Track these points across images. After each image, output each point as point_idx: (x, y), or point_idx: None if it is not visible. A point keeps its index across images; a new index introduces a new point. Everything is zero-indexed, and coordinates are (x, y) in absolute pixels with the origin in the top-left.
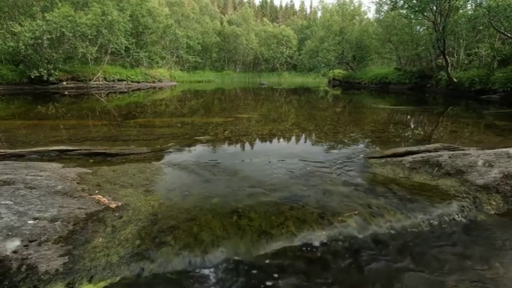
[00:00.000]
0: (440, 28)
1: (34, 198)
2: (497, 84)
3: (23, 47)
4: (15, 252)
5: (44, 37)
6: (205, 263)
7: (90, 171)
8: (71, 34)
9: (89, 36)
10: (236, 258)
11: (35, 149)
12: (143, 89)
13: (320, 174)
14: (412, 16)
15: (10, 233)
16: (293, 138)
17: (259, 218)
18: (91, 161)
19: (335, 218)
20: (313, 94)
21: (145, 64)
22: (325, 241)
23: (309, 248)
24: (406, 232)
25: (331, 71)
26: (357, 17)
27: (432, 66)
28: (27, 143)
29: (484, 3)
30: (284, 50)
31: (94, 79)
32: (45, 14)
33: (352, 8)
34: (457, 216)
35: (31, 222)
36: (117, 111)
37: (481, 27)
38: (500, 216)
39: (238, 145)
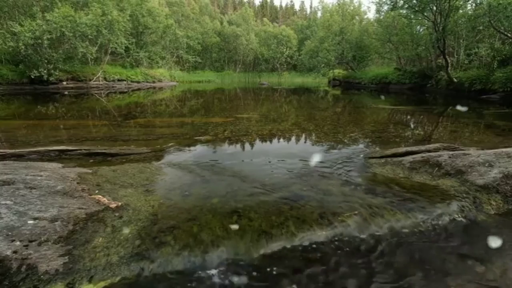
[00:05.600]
0: (440, 28)
1: (34, 198)
2: (497, 84)
3: (23, 47)
4: (15, 252)
5: (44, 37)
6: (205, 263)
7: (90, 171)
8: (71, 34)
9: (89, 36)
10: (236, 258)
11: (35, 149)
12: (143, 89)
13: (320, 174)
14: (412, 16)
15: (10, 233)
16: (293, 138)
17: (259, 218)
18: (91, 161)
19: (335, 218)
20: (313, 94)
21: (145, 64)
22: (325, 241)
23: (309, 248)
24: (406, 232)
25: (331, 71)
26: (357, 17)
27: (432, 66)
28: (27, 143)
29: (484, 2)
30: (284, 50)
31: (94, 79)
32: (45, 14)
33: (352, 8)
34: (457, 216)
35: (31, 222)
36: (117, 111)
37: (481, 27)
38: (500, 216)
39: (238, 145)
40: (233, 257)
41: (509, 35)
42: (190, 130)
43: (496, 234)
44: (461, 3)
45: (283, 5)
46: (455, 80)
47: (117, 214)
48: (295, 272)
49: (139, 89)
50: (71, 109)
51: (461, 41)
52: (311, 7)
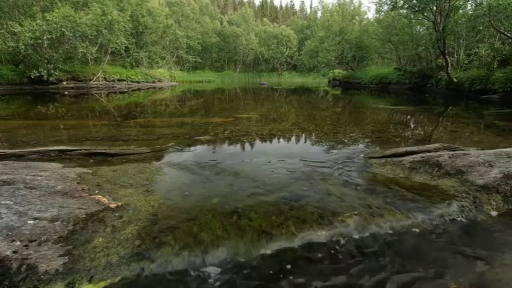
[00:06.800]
0: (440, 28)
1: (34, 198)
2: (497, 84)
3: (23, 47)
4: (15, 252)
5: (44, 37)
6: (205, 263)
7: (90, 171)
8: (71, 34)
9: (89, 36)
10: (236, 258)
11: (35, 149)
12: (143, 89)
13: (320, 174)
14: (412, 16)
15: (10, 233)
16: (293, 138)
17: (259, 218)
18: (91, 161)
19: (335, 218)
20: (313, 94)
21: (145, 64)
22: (325, 241)
23: (309, 248)
24: (406, 232)
25: (331, 71)
26: (357, 17)
27: (432, 66)
28: (27, 143)
29: (484, 2)
30: (284, 50)
31: (94, 79)
32: (45, 14)
33: (352, 8)
34: (457, 216)
35: (31, 222)
36: (117, 111)
37: (481, 27)
38: (500, 216)
39: (238, 145)
40: (233, 257)
41: (509, 35)
42: (190, 130)
43: (496, 234)
44: (461, 3)
45: (283, 5)
46: (455, 80)
47: (117, 214)
48: (295, 272)
49: (139, 89)
50: (71, 109)
51: (461, 41)
52: (311, 7)
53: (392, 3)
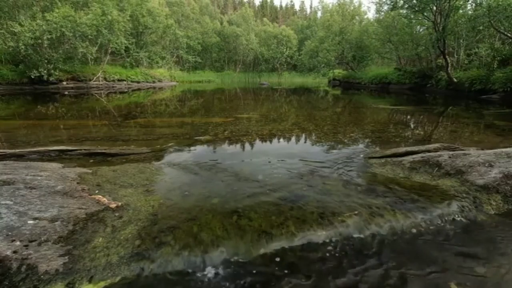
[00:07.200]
0: (440, 28)
1: (34, 198)
2: (497, 84)
3: (23, 47)
4: (15, 252)
5: (44, 37)
6: (205, 263)
7: (90, 171)
8: (71, 34)
9: (89, 36)
10: (236, 258)
11: (35, 149)
12: (143, 89)
13: (320, 174)
14: (412, 16)
15: (10, 233)
16: (293, 138)
17: (259, 218)
18: (91, 161)
19: (335, 218)
20: (313, 94)
21: (145, 64)
22: (325, 241)
23: (309, 248)
24: (406, 232)
25: (331, 71)
26: (357, 17)
27: (432, 66)
28: (27, 143)
29: (484, 2)
30: (284, 50)
31: (94, 79)
32: (45, 14)
33: (352, 8)
34: (457, 216)
35: (31, 222)
36: (117, 111)
37: (481, 27)
38: (500, 216)
39: (238, 145)
40: (233, 257)
41: (509, 35)
42: (190, 130)
43: (496, 234)
44: (461, 3)
45: (283, 5)
46: (455, 80)
47: (117, 214)
48: (295, 272)
49: (139, 89)
50: (71, 109)
51: (461, 41)
52: (311, 7)
53: (392, 3)
